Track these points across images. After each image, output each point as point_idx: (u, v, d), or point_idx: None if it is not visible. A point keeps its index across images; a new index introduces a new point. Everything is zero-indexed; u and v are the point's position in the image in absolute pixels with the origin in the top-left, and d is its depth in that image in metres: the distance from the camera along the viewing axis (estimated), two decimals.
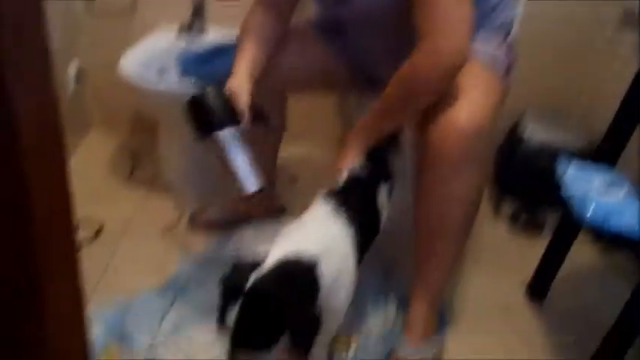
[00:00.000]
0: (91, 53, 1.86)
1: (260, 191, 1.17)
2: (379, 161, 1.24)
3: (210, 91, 1.11)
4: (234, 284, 0.84)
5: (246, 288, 0.82)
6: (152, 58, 1.63)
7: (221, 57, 1.32)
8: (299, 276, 0.87)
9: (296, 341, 0.86)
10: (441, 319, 1.25)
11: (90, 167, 1.81)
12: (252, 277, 0.84)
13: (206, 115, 1.12)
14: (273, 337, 0.84)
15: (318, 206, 1.05)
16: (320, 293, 0.88)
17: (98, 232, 1.50)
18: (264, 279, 0.85)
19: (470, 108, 1.00)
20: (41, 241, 0.48)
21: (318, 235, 0.97)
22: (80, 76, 1.85)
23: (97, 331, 1.14)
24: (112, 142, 1.93)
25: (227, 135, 1.14)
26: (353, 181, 1.12)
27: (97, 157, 1.87)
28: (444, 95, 1.00)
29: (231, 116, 1.12)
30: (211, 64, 1.54)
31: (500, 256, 1.58)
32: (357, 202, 1.09)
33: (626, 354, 1.12)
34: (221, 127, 1.11)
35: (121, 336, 1.16)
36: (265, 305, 0.83)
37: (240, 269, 0.87)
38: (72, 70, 1.81)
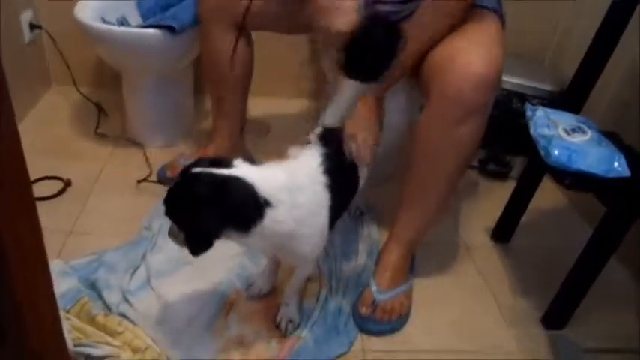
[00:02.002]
0: (45, 3, 1.76)
1: None
2: None
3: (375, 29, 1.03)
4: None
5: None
6: (110, 6, 1.56)
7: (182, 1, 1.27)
8: (232, 187, 0.89)
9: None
10: (411, 264, 1.27)
11: (53, 123, 1.74)
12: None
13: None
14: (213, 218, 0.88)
15: (299, 156, 1.05)
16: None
17: (65, 188, 1.46)
18: (201, 174, 0.90)
19: (486, 56, 1.01)
20: None
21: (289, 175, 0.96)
22: (36, 25, 1.76)
23: (69, 284, 1.13)
24: (74, 97, 1.86)
25: None
26: (332, 134, 1.11)
27: (59, 112, 1.81)
28: (459, 41, 1.03)
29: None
30: (173, 9, 1.48)
31: (468, 202, 1.62)
32: (338, 156, 1.07)
33: (588, 291, 1.18)
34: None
35: (93, 290, 1.15)
36: (185, 194, 0.89)
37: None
38: (25, 20, 1.72)
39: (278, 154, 1.06)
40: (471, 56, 1.01)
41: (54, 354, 0.63)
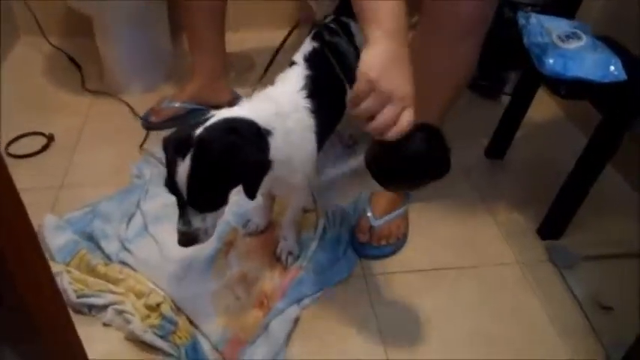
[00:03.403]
0: None
1: None
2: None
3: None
4: (178, 140, 0.83)
5: (193, 139, 0.80)
6: None
7: None
8: (242, 127, 0.85)
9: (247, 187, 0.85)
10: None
11: (27, 76, 1.68)
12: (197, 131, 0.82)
13: None
14: (224, 185, 0.83)
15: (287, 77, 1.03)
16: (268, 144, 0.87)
17: (48, 143, 1.43)
18: (209, 128, 0.83)
19: None
20: None
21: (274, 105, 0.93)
22: None
23: (66, 238, 1.13)
24: (45, 48, 1.78)
25: None
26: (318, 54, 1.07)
27: (32, 65, 1.74)
28: None
29: None
30: None
31: (460, 121, 1.58)
32: (321, 77, 1.04)
33: (584, 200, 1.18)
34: None
35: (90, 241, 1.15)
36: (214, 151, 0.80)
37: (183, 129, 0.85)
38: None
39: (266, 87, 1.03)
40: None
41: (51, 309, 0.63)
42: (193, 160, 0.79)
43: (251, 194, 0.85)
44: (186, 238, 0.85)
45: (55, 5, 1.75)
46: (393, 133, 0.73)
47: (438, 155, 0.80)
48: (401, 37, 0.74)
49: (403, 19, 0.75)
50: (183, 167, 0.79)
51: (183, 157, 0.79)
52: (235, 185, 0.85)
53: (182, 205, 0.84)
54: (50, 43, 1.77)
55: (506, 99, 1.58)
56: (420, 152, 0.77)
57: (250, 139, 0.85)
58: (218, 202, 0.85)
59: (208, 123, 0.84)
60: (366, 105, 0.72)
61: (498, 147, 1.46)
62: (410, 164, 0.78)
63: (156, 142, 1.42)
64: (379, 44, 0.73)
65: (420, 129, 0.77)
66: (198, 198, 0.82)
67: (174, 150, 0.81)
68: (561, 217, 1.22)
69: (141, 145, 1.43)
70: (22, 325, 0.64)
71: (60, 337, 0.65)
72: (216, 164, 0.80)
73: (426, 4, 1.00)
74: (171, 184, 0.82)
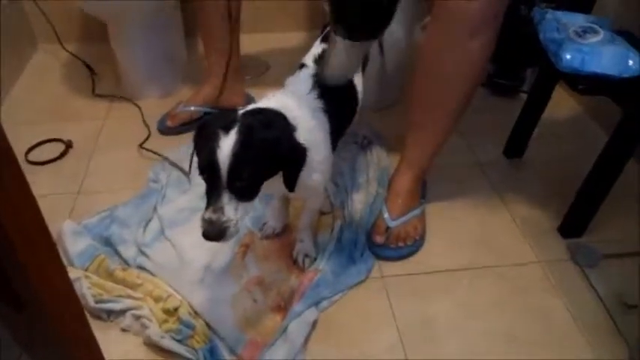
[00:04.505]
0: None
1: None
2: None
3: None
4: (220, 118, 0.83)
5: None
6: None
7: None
8: (279, 116, 0.87)
9: (288, 174, 0.86)
10: (423, 189, 1.25)
11: (45, 84, 1.70)
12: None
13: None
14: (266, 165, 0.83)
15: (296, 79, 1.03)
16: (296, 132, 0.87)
17: (67, 150, 1.44)
18: (250, 110, 0.84)
19: None
20: None
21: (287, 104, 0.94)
22: None
23: (84, 243, 1.13)
24: (62, 56, 1.80)
25: None
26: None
27: (50, 73, 1.76)
28: None
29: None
30: None
31: (478, 119, 1.56)
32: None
33: (606, 197, 1.15)
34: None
35: (108, 246, 1.16)
36: (262, 126, 0.82)
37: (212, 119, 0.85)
38: None
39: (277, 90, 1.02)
40: None
41: (70, 316, 0.64)
42: (240, 134, 0.77)
43: (291, 183, 0.85)
44: (215, 229, 0.79)
45: (71, 12, 1.78)
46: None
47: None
48: None
49: None
50: (227, 142, 0.77)
51: (227, 132, 0.78)
52: (276, 170, 0.84)
53: (215, 190, 0.79)
54: (66, 50, 1.80)
55: (524, 97, 1.56)
56: None
57: (289, 128, 0.86)
58: (255, 187, 0.82)
59: (245, 109, 0.85)
60: None
61: (517, 145, 1.44)
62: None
63: (170, 146, 1.44)
64: None
65: None
66: (240, 177, 0.78)
67: (216, 125, 0.79)
68: (583, 215, 1.20)
69: (140, 145, 1.45)
70: (42, 331, 0.64)
71: (78, 343, 0.66)
72: (263, 140, 0.79)
73: (436, 4, 0.99)
74: (208, 163, 0.78)
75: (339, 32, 0.90)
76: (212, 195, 0.80)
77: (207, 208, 0.80)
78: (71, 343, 0.64)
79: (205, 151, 0.79)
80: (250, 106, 0.90)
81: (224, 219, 0.79)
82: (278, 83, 1.06)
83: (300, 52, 1.15)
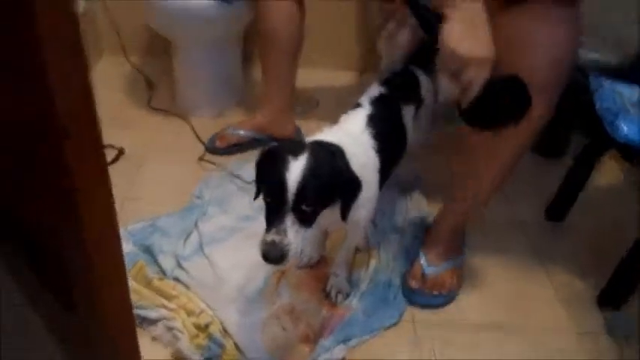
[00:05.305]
0: None
1: None
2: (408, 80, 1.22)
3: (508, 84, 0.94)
4: (289, 144, 0.90)
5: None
6: None
7: None
8: (335, 148, 0.92)
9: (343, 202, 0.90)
10: (461, 239, 1.25)
11: (105, 92, 1.77)
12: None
13: None
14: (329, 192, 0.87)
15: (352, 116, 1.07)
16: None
17: (118, 157, 1.50)
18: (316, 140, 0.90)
19: (567, 32, 0.92)
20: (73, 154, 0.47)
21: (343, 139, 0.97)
22: None
23: (126, 249, 1.15)
24: (125, 67, 1.89)
25: None
26: (381, 99, 1.12)
27: (111, 82, 1.84)
28: (535, 15, 0.92)
29: None
30: None
31: (521, 179, 1.56)
32: (385, 120, 1.08)
33: None
34: None
35: (148, 254, 1.18)
36: (329, 154, 0.88)
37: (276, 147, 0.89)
38: None
39: (325, 126, 1.06)
40: (548, 30, 0.92)
41: (121, 323, 0.65)
42: (309, 160, 0.82)
43: (346, 212, 0.89)
44: (277, 252, 0.80)
45: (139, 26, 1.87)
46: (473, 91, 0.87)
47: (518, 92, 0.90)
48: (474, 10, 0.86)
49: None
50: (297, 166, 0.81)
51: (296, 157, 0.82)
52: (334, 199, 0.88)
53: (279, 212, 0.81)
54: (129, 62, 1.88)
55: (567, 159, 1.55)
56: (502, 92, 0.90)
57: (348, 161, 0.90)
58: (316, 213, 0.85)
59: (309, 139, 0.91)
60: (450, 70, 0.88)
61: (559, 209, 1.43)
62: (495, 102, 0.90)
63: (220, 166, 1.48)
64: (454, 20, 0.86)
65: (499, 78, 0.89)
66: (306, 200, 0.81)
67: (285, 151, 0.84)
68: (623, 287, 1.17)
69: (200, 158, 1.51)
70: (93, 331, 0.66)
71: (125, 346, 0.67)
72: (330, 168, 0.85)
73: (500, 59, 1.00)
74: (277, 185, 0.81)
75: (470, 123, 0.94)
76: (275, 217, 0.82)
77: (268, 230, 0.82)
78: (117, 345, 0.66)
79: (274, 173, 0.82)
80: (313, 138, 0.94)
81: (286, 242, 0.80)
82: (326, 119, 1.09)
83: (349, 90, 1.18)
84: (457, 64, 0.86)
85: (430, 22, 0.94)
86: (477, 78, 0.87)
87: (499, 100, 0.91)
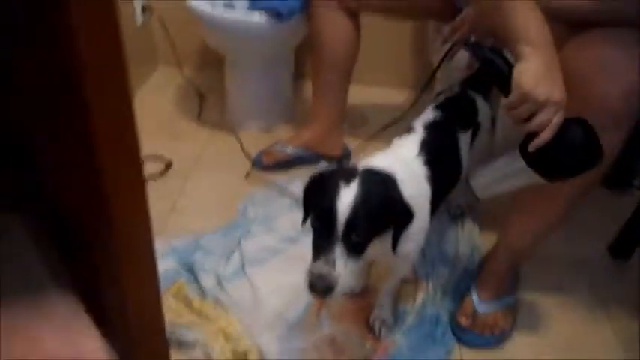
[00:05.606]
0: None
1: None
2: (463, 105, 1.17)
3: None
4: (340, 171, 0.86)
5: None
6: None
7: None
8: (387, 175, 0.88)
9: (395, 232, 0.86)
10: (515, 278, 1.17)
11: (157, 104, 1.80)
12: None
13: None
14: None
15: (404, 143, 1.03)
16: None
17: (166, 169, 1.50)
18: (365, 173, 0.85)
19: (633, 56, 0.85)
20: (107, 171, 0.46)
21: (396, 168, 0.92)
22: (147, 9, 1.82)
23: (167, 265, 1.16)
24: (178, 79, 1.91)
25: None
26: (437, 123, 1.07)
27: (164, 93, 1.86)
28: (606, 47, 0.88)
29: None
30: None
31: (584, 212, 1.46)
32: (439, 147, 1.03)
33: None
34: None
35: (189, 272, 1.17)
36: (381, 183, 0.84)
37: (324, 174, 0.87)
38: (138, 3, 1.78)
39: (374, 146, 1.01)
40: (621, 54, 0.86)
41: (152, 343, 0.63)
42: (361, 187, 0.79)
43: (396, 242, 0.85)
44: (325, 283, 0.76)
45: (194, 39, 1.89)
46: (546, 134, 0.83)
47: (591, 142, 0.85)
48: (549, 49, 0.83)
49: (548, 33, 0.83)
50: (348, 193, 0.78)
51: (348, 184, 0.79)
52: (387, 227, 0.84)
53: (328, 241, 0.78)
54: (183, 75, 1.90)
55: (634, 192, 1.45)
56: (576, 140, 0.85)
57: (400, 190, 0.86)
58: (366, 244, 0.82)
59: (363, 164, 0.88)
60: (519, 112, 0.83)
61: (625, 246, 1.32)
62: (568, 151, 0.85)
63: (266, 184, 1.46)
64: (530, 59, 0.82)
65: (574, 122, 0.85)
66: (357, 230, 0.78)
67: (336, 177, 0.81)
68: None
69: (247, 175, 1.48)
70: (122, 348, 0.64)
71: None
72: (383, 196, 0.82)
73: (572, 88, 0.93)
74: (326, 212, 0.78)
75: (540, 172, 0.88)
76: (323, 246, 0.78)
77: (316, 259, 0.79)
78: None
79: (324, 199, 0.79)
80: (364, 163, 0.90)
81: (335, 273, 0.77)
82: (375, 138, 1.05)
83: (400, 109, 1.14)
84: (531, 107, 0.82)
85: (495, 62, 0.89)
86: (551, 122, 0.82)
87: (571, 151, 0.85)
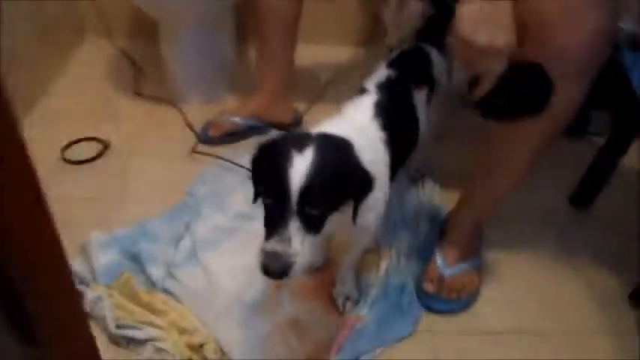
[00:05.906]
0: None
1: None
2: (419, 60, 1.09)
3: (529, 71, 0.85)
4: (293, 137, 0.78)
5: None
6: None
7: None
8: (344, 141, 0.80)
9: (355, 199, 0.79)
10: (480, 238, 1.14)
11: (87, 80, 1.64)
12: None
13: None
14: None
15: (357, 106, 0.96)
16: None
17: (104, 151, 1.38)
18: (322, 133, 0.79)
19: (604, 4, 0.80)
20: None
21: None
22: None
23: (110, 257, 1.06)
24: (109, 50, 1.75)
25: None
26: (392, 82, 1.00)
27: (94, 67, 1.70)
28: None
29: None
30: None
31: (541, 163, 1.44)
32: (395, 107, 0.96)
33: None
34: None
35: (135, 263, 1.08)
36: (339, 147, 0.78)
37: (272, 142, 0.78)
38: None
39: (325, 109, 0.93)
40: (586, 8, 0.80)
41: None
42: (316, 154, 0.71)
43: (356, 213, 0.78)
44: (280, 264, 0.70)
45: (122, 6, 1.73)
46: (486, 85, 0.80)
47: (538, 82, 0.82)
48: None
49: None
50: (302, 162, 0.70)
51: (301, 152, 0.71)
52: (346, 197, 0.77)
53: (281, 217, 0.70)
54: (114, 46, 1.74)
55: (590, 139, 1.43)
56: (525, 89, 0.83)
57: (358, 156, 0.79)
58: (324, 217, 0.75)
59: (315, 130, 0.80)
60: (462, 59, 0.81)
61: (586, 193, 1.31)
62: (512, 94, 0.83)
63: (213, 158, 1.36)
64: (472, 2, 0.77)
65: (527, 67, 0.81)
66: (313, 202, 0.70)
67: (287, 145, 0.72)
68: None
69: (193, 150, 1.38)
70: None
71: None
72: (340, 162, 0.75)
73: (525, 40, 0.87)
74: (278, 184, 0.71)
75: (485, 115, 0.86)
76: (276, 223, 0.71)
77: (268, 238, 0.71)
78: None
79: (275, 170, 0.71)
80: (318, 130, 0.82)
81: (290, 252, 0.70)
82: (326, 100, 0.96)
83: (352, 69, 1.06)
84: (472, 53, 0.78)
85: (451, 7, 0.82)
86: (494, 69, 0.78)
87: (516, 92, 0.83)
